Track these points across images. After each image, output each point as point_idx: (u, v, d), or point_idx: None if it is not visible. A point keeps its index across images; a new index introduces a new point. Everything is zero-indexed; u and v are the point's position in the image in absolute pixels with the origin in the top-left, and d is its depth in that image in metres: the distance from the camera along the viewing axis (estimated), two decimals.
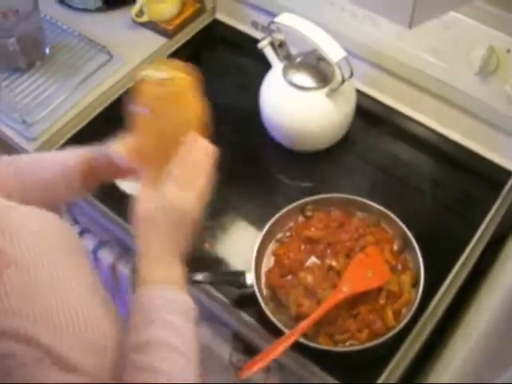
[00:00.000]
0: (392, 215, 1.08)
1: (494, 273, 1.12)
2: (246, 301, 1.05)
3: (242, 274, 1.04)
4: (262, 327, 1.03)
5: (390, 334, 0.95)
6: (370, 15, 1.21)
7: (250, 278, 1.03)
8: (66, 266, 0.74)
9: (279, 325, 0.97)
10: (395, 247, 1.07)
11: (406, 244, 1.07)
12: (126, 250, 1.26)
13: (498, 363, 0.70)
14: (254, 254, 1.05)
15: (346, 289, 0.98)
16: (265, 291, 1.05)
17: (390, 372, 0.98)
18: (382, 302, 1.00)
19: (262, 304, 1.00)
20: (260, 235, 1.07)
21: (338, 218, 1.10)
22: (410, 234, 1.05)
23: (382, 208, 1.10)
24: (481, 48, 1.09)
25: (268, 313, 0.98)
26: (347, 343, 0.98)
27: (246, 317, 1.05)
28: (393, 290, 1.01)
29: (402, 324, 0.96)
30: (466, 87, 1.17)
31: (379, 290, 1.01)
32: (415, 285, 1.02)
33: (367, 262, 1.02)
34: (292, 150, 1.26)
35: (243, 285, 1.03)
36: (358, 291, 0.98)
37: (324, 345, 0.97)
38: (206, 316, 1.15)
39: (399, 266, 1.05)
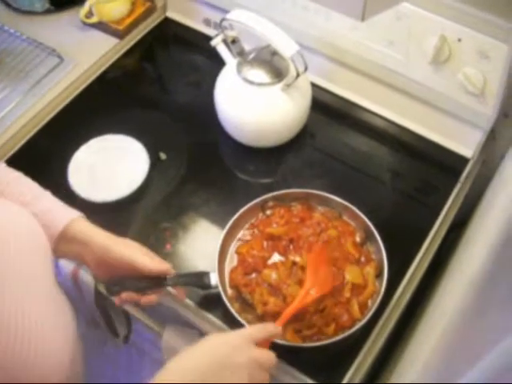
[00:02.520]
0: (353, 207, 1.08)
1: (456, 258, 1.13)
2: (212, 301, 1.04)
3: (205, 274, 1.02)
4: (230, 327, 1.02)
5: (357, 326, 0.96)
6: (322, 8, 1.21)
7: (214, 279, 1.02)
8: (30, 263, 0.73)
9: (246, 324, 0.96)
10: (357, 239, 1.07)
11: (368, 235, 1.07)
12: None
13: (467, 351, 0.70)
14: (217, 253, 1.04)
15: (313, 292, 0.97)
16: (230, 291, 1.04)
17: (358, 364, 0.98)
18: (347, 295, 1.00)
19: (228, 304, 0.99)
20: (222, 234, 1.07)
21: (299, 213, 1.10)
22: (371, 225, 1.06)
23: (342, 201, 1.10)
24: (433, 38, 1.09)
25: (234, 313, 0.98)
26: (315, 338, 0.97)
27: (212, 318, 1.04)
28: (357, 282, 1.01)
29: (368, 316, 0.97)
30: (421, 77, 1.18)
31: (344, 283, 1.01)
32: (379, 275, 1.03)
33: (323, 260, 1.01)
34: (249, 146, 1.25)
35: (208, 285, 1.02)
36: (324, 292, 0.97)
37: (292, 341, 0.96)
38: (172, 318, 1.14)
39: (362, 258, 1.05)
